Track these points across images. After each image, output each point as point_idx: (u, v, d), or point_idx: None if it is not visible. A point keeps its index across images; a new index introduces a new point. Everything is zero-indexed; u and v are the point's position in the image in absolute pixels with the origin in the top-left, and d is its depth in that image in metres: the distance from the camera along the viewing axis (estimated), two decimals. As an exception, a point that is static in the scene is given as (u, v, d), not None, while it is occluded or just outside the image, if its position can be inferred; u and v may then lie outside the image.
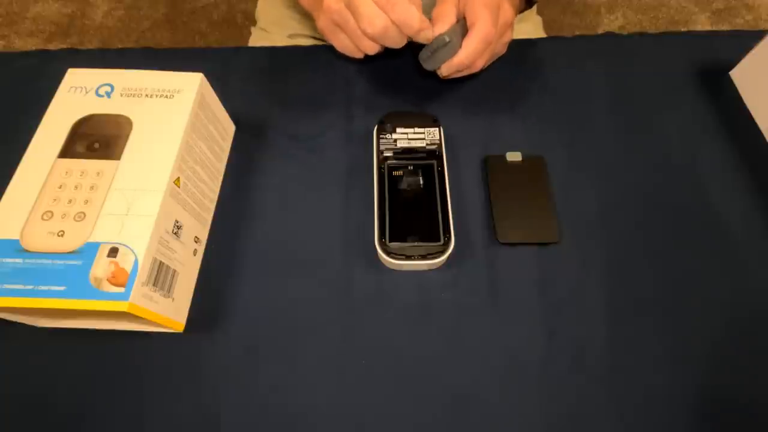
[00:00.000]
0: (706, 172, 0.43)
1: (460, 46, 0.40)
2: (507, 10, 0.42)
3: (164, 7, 1.47)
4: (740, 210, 0.41)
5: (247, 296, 0.38)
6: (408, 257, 0.36)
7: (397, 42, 0.39)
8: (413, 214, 0.38)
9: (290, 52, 0.52)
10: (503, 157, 0.43)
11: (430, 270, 0.38)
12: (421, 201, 0.39)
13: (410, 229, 0.38)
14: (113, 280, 0.30)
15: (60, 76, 0.38)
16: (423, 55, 0.41)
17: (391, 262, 0.37)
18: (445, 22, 0.40)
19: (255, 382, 0.35)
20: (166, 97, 0.37)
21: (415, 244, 0.37)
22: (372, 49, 0.40)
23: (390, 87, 0.48)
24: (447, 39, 0.40)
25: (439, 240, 0.37)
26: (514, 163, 0.43)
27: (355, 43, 0.41)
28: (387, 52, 0.42)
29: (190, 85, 0.38)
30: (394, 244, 0.37)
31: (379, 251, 0.37)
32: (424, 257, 0.37)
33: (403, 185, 0.40)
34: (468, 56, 0.40)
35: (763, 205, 0.41)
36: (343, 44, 0.42)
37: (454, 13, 0.40)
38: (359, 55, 0.42)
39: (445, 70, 0.41)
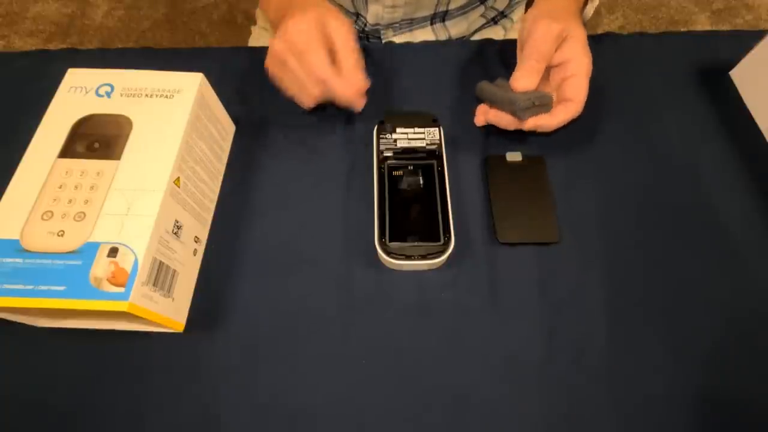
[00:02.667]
0: (706, 172, 0.43)
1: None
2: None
3: (164, 7, 1.47)
4: (740, 210, 0.41)
5: (247, 296, 0.38)
6: (408, 257, 0.36)
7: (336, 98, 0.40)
8: (413, 214, 0.38)
9: (290, 52, 0.52)
10: (503, 157, 0.43)
11: (430, 270, 0.38)
12: (421, 201, 0.39)
13: (410, 229, 0.38)
14: (113, 280, 0.30)
15: (60, 76, 0.38)
16: (523, 104, 0.39)
17: (391, 262, 0.37)
18: (536, 79, 0.40)
19: (255, 382, 0.35)
20: (166, 97, 0.37)
21: (415, 244, 0.37)
22: (311, 101, 0.41)
23: (390, 87, 0.48)
24: (551, 98, 0.41)
25: (439, 240, 0.37)
26: (514, 163, 0.43)
27: (298, 90, 0.41)
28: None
29: (190, 85, 0.38)
30: (394, 244, 0.37)
31: (379, 251, 0.37)
32: (424, 257, 0.37)
33: (403, 185, 0.40)
34: (557, 125, 0.41)
35: (763, 205, 0.41)
36: (286, 85, 0.42)
37: (541, 72, 0.41)
38: (306, 103, 0.42)
39: (532, 125, 0.41)
